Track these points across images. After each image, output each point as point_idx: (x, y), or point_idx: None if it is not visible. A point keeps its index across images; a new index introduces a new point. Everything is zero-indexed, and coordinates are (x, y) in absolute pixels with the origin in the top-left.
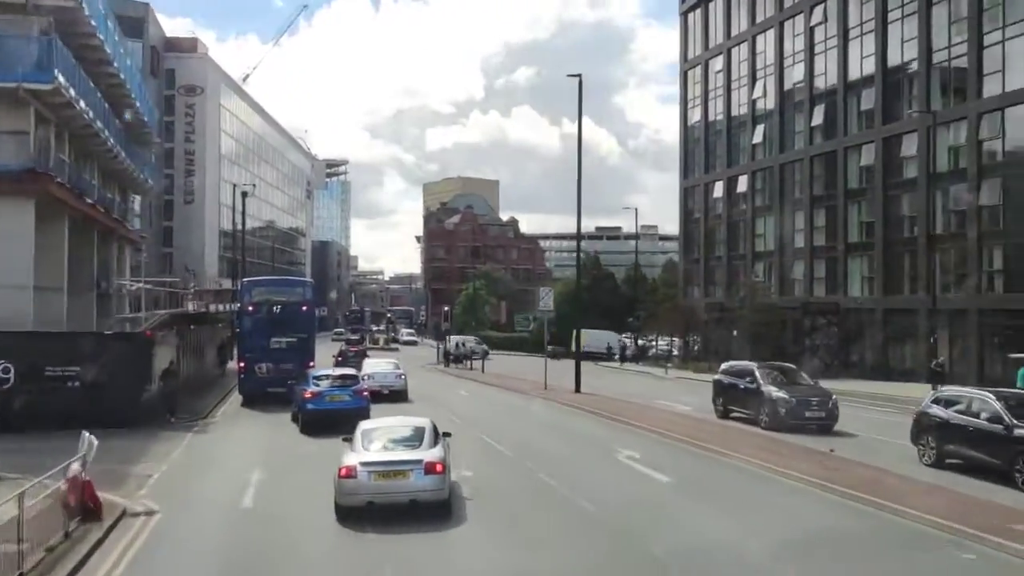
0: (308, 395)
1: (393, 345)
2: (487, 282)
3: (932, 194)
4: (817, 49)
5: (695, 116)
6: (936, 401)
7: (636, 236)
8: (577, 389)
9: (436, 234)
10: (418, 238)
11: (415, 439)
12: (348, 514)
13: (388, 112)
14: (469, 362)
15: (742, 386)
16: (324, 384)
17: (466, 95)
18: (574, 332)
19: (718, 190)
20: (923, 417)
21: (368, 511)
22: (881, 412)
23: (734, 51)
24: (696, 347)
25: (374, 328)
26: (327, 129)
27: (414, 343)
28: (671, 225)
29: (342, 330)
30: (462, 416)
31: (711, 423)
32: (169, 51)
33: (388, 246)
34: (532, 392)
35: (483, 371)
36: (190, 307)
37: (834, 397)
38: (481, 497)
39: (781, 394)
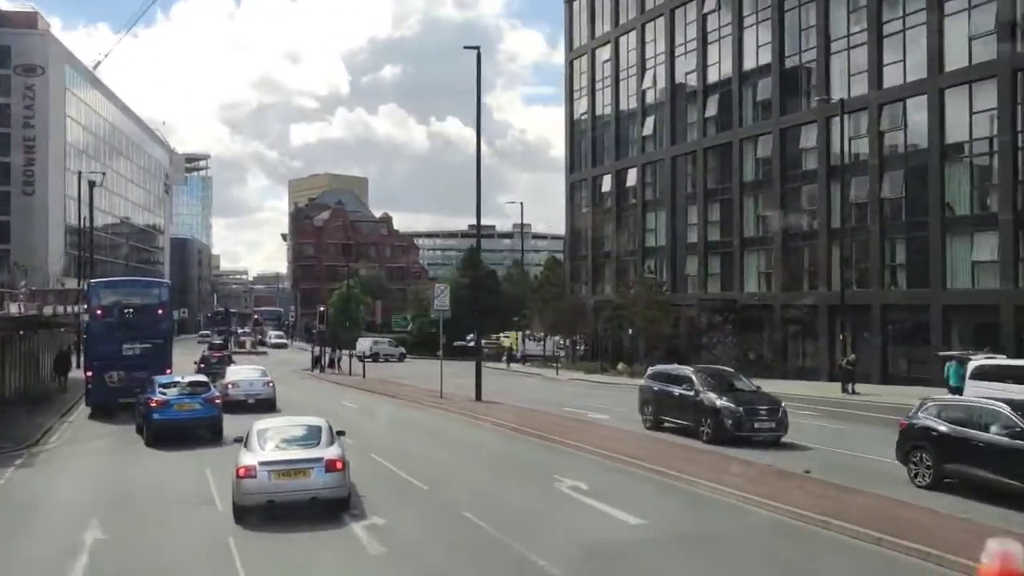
0: (154, 404)
1: (261, 349)
2: (361, 281)
3: (831, 187)
4: (710, 38)
5: (581, 107)
6: (926, 410)
7: (517, 233)
8: (478, 397)
9: (305, 231)
10: (284, 236)
11: (312, 438)
12: (246, 513)
13: (250, 107)
14: (337, 366)
15: (677, 393)
16: (172, 392)
17: (331, 91)
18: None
19: (607, 184)
20: (915, 430)
21: (268, 511)
22: (811, 417)
23: (622, 40)
24: (582, 347)
25: (239, 331)
26: (187, 123)
27: (284, 346)
28: (541, 224)
29: (208, 332)
30: (354, 435)
31: (645, 437)
32: (3, 26)
33: (251, 245)
34: (428, 402)
35: (364, 376)
36: (14, 309)
37: (783, 405)
38: (399, 554)
39: (725, 403)
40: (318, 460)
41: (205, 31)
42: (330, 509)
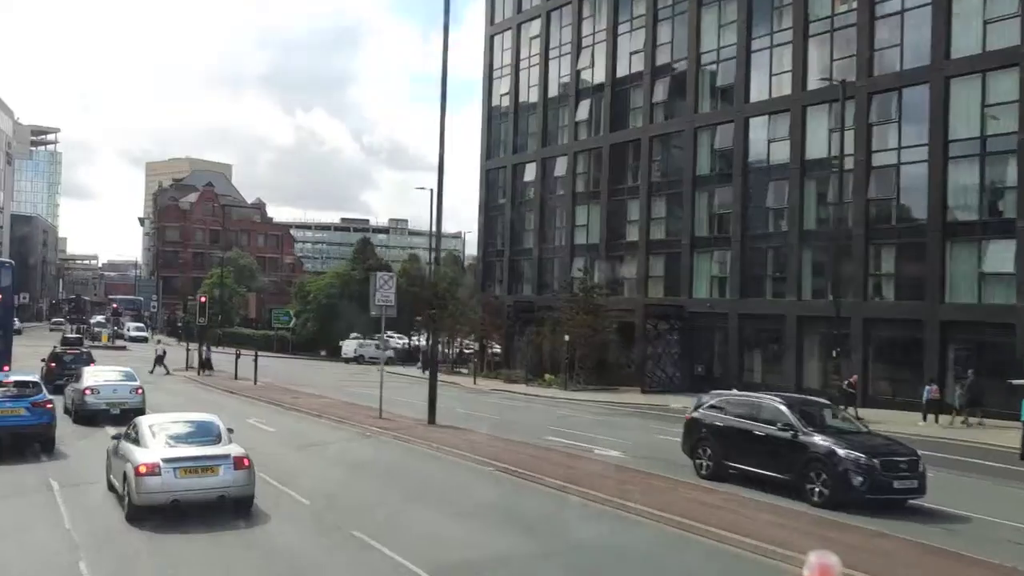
0: None
1: (119, 343)
2: (235, 270)
3: (805, 183)
4: (662, 14)
5: (503, 87)
6: None
7: (393, 228)
8: (432, 419)
9: (169, 214)
10: (142, 220)
11: (209, 434)
12: (146, 515)
13: (102, 85)
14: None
15: (761, 433)
16: None
17: (193, 75)
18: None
19: (530, 173)
20: None
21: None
22: None
23: (554, 15)
24: (493, 352)
25: (92, 321)
26: (32, 97)
27: (144, 340)
28: (407, 224)
29: (61, 320)
30: (300, 484)
31: (716, 494)
32: None
33: (100, 230)
34: (369, 424)
35: (256, 382)
36: None
37: (919, 454)
38: None
39: (849, 451)
40: (225, 457)
41: (61, 4)
42: (236, 509)
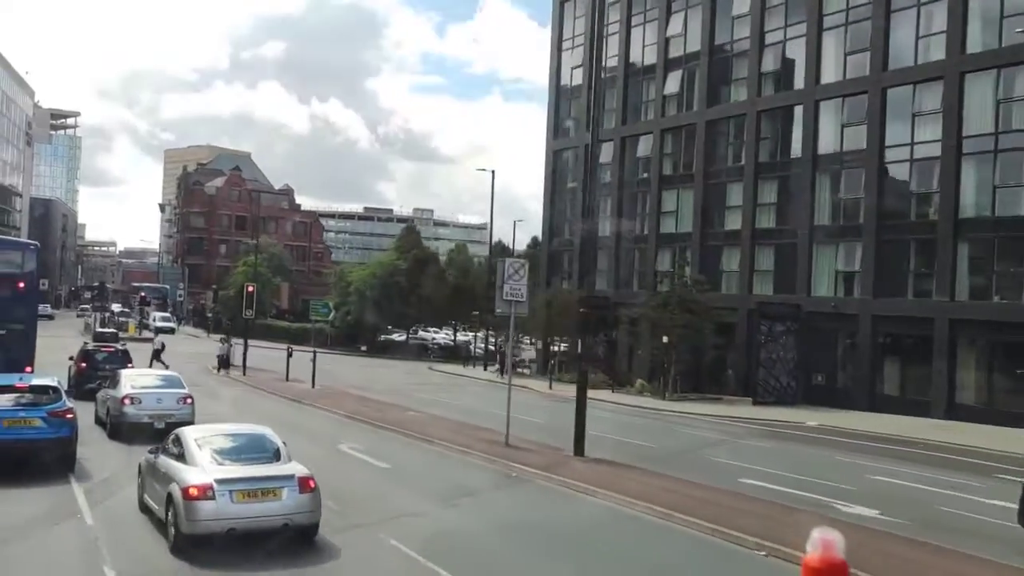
0: None
1: (146, 334)
2: (268, 257)
3: (963, 162)
4: None
5: (574, 59)
6: None
7: (417, 218)
8: (580, 449)
9: (194, 199)
10: (162, 206)
11: (264, 450)
12: (199, 544)
13: (120, 72)
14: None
15: None
16: (2, 400)
17: (209, 64)
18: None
19: (606, 154)
20: None
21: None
22: None
23: None
24: (558, 353)
25: (116, 310)
26: (50, 85)
27: (171, 331)
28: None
29: (87, 307)
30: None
31: None
32: None
33: (117, 218)
34: (498, 454)
35: (314, 385)
36: None
37: None
38: None
39: None
40: (288, 478)
41: None
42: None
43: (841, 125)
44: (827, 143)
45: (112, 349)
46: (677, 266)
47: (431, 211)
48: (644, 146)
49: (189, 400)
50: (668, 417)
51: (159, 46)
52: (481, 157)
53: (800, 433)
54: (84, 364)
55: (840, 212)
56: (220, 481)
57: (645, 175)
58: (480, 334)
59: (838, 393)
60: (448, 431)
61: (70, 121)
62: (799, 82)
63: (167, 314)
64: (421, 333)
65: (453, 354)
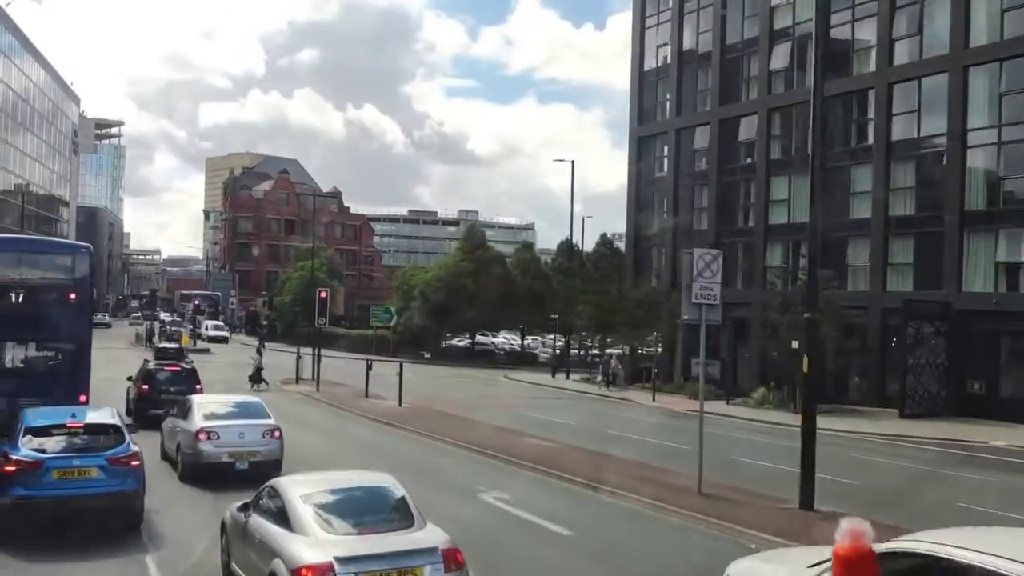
0: (11, 468)
1: (200, 344)
2: (323, 262)
3: None
4: None
5: (660, 37)
6: None
7: (463, 220)
8: (807, 502)
9: (242, 203)
10: (207, 212)
11: (394, 509)
12: None
13: (159, 84)
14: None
15: None
16: (51, 443)
17: (245, 72)
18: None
19: (701, 139)
20: None
21: None
22: None
23: None
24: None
25: (167, 319)
26: (91, 97)
27: (224, 340)
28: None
29: (139, 315)
30: None
31: None
32: None
33: (159, 227)
34: (693, 508)
35: (401, 403)
36: None
37: None
38: None
39: None
40: (430, 551)
41: (115, 3)
42: None
43: (999, 94)
44: (978, 116)
45: (177, 368)
46: (794, 261)
47: (476, 212)
48: (747, 128)
49: (277, 433)
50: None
51: (197, 57)
52: (517, 159)
53: (1003, 458)
54: (146, 386)
55: (998, 195)
56: (342, 560)
57: (748, 160)
58: (549, 338)
59: (1002, 404)
60: (610, 472)
61: (114, 131)
62: (941, 46)
63: (219, 322)
64: (479, 338)
65: (519, 360)
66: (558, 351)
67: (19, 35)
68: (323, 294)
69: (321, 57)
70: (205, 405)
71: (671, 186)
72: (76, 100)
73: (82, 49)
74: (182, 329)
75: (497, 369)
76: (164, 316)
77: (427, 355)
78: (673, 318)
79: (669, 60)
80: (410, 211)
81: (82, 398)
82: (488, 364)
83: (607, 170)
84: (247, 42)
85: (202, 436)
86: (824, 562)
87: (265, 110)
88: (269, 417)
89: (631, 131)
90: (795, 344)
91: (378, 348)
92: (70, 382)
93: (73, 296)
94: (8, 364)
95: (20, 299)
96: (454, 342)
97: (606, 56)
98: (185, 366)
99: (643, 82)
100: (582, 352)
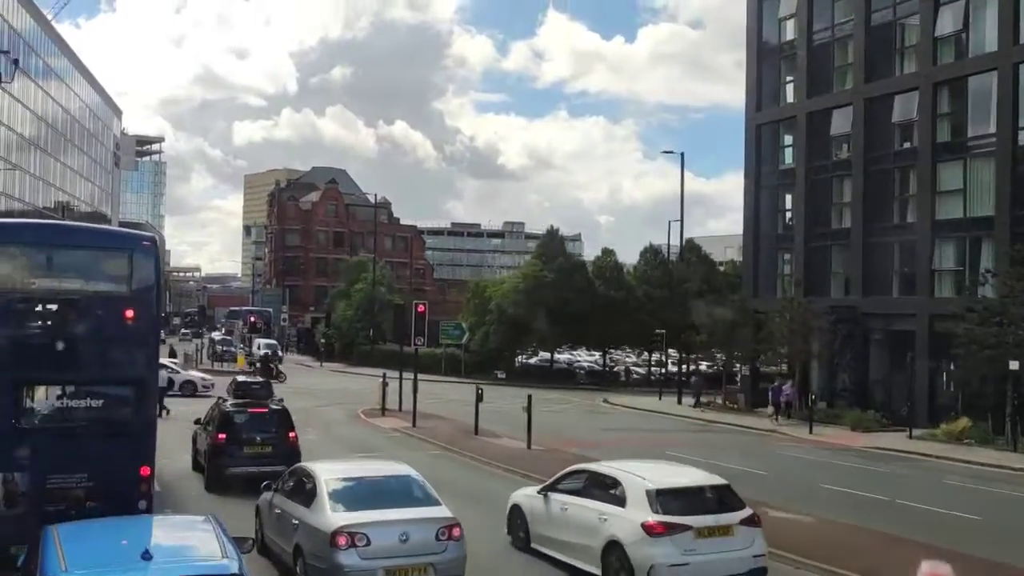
0: None
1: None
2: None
3: None
4: None
5: (783, 7)
6: None
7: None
8: None
9: (288, 215)
10: (248, 228)
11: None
12: None
13: (193, 103)
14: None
15: None
16: None
17: (277, 90)
18: None
19: (841, 123)
20: None
21: None
22: None
23: None
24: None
25: (216, 337)
26: (127, 118)
27: (278, 359)
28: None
29: (187, 332)
30: None
31: None
32: None
33: (196, 246)
34: None
35: (529, 444)
36: None
37: None
38: None
39: None
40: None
41: (149, 24)
42: None
43: None
44: None
45: (263, 410)
46: (971, 262)
47: (522, 224)
48: (903, 107)
49: (457, 531)
50: None
51: (230, 75)
52: (548, 172)
53: None
54: (223, 435)
55: None
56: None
57: (906, 145)
58: (642, 357)
59: None
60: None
61: (154, 147)
62: None
63: (272, 341)
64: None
65: (603, 380)
66: (663, 372)
67: (72, 57)
68: (420, 308)
69: (352, 74)
70: (336, 483)
71: (801, 179)
72: (119, 113)
73: (117, 71)
74: (233, 349)
75: (584, 391)
76: (215, 334)
77: (501, 375)
78: (808, 331)
79: (795, 35)
80: (453, 224)
81: (144, 470)
82: (572, 385)
83: (639, 182)
84: (279, 60)
85: (342, 541)
86: None
87: (298, 127)
88: (438, 502)
89: (747, 119)
90: (1014, 365)
91: (447, 368)
92: (126, 447)
93: (131, 314)
94: (30, 421)
95: (51, 320)
96: (531, 361)
97: (637, 68)
98: (274, 406)
99: (761, 62)
100: (685, 373)
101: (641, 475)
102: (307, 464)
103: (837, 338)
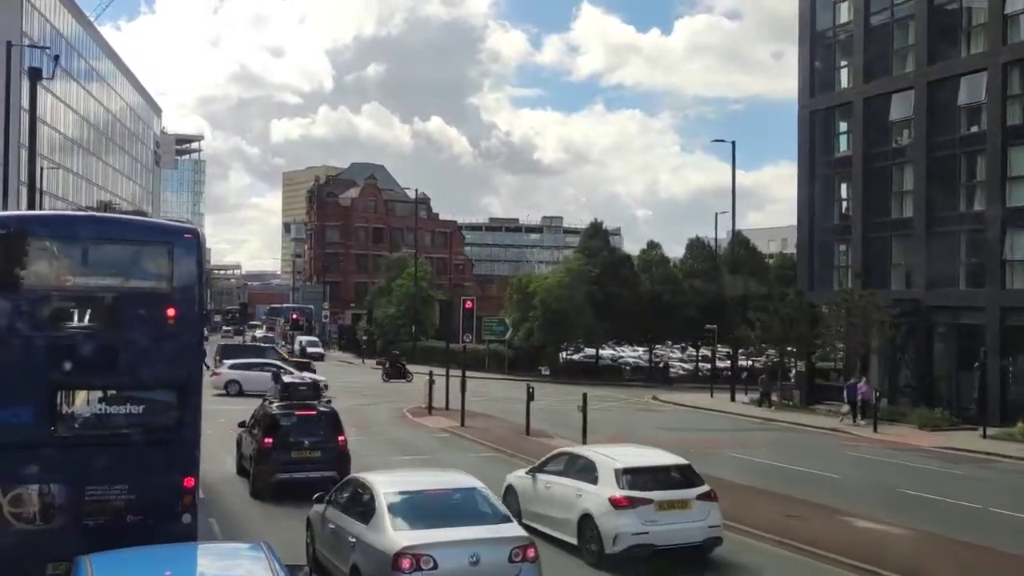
0: None
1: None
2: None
3: None
4: None
5: None
6: None
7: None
8: None
9: (328, 211)
10: (287, 225)
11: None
12: None
13: (230, 102)
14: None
15: None
16: None
17: (314, 88)
18: None
19: (901, 107)
20: None
21: None
22: None
23: None
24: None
25: (259, 335)
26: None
27: (320, 357)
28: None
29: (229, 329)
30: None
31: None
32: None
33: (235, 244)
34: None
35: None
36: None
37: None
38: None
39: None
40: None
41: (187, 24)
42: None
43: None
44: None
45: (312, 412)
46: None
47: (560, 219)
48: (970, 90)
49: (532, 552)
50: None
51: (266, 74)
52: (585, 166)
53: None
54: (269, 439)
55: None
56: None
57: (974, 129)
58: (687, 353)
59: None
60: None
61: (193, 145)
62: None
63: (314, 338)
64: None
65: (650, 377)
66: (710, 368)
67: (114, 58)
68: (468, 304)
69: (387, 71)
70: (396, 496)
71: (858, 167)
72: (159, 113)
73: (156, 71)
74: (275, 346)
75: (631, 388)
76: (258, 332)
77: (546, 371)
78: (869, 325)
79: (850, 17)
80: (491, 219)
81: (188, 481)
82: (618, 382)
83: (676, 175)
84: (314, 58)
85: (406, 564)
86: None
87: (334, 125)
88: (509, 518)
89: (800, 105)
90: None
91: (491, 364)
92: (169, 456)
93: (172, 313)
94: (67, 429)
95: (87, 320)
96: (574, 357)
97: (673, 60)
98: (322, 409)
99: (814, 45)
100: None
101: (612, 456)
102: (362, 475)
103: (900, 332)
